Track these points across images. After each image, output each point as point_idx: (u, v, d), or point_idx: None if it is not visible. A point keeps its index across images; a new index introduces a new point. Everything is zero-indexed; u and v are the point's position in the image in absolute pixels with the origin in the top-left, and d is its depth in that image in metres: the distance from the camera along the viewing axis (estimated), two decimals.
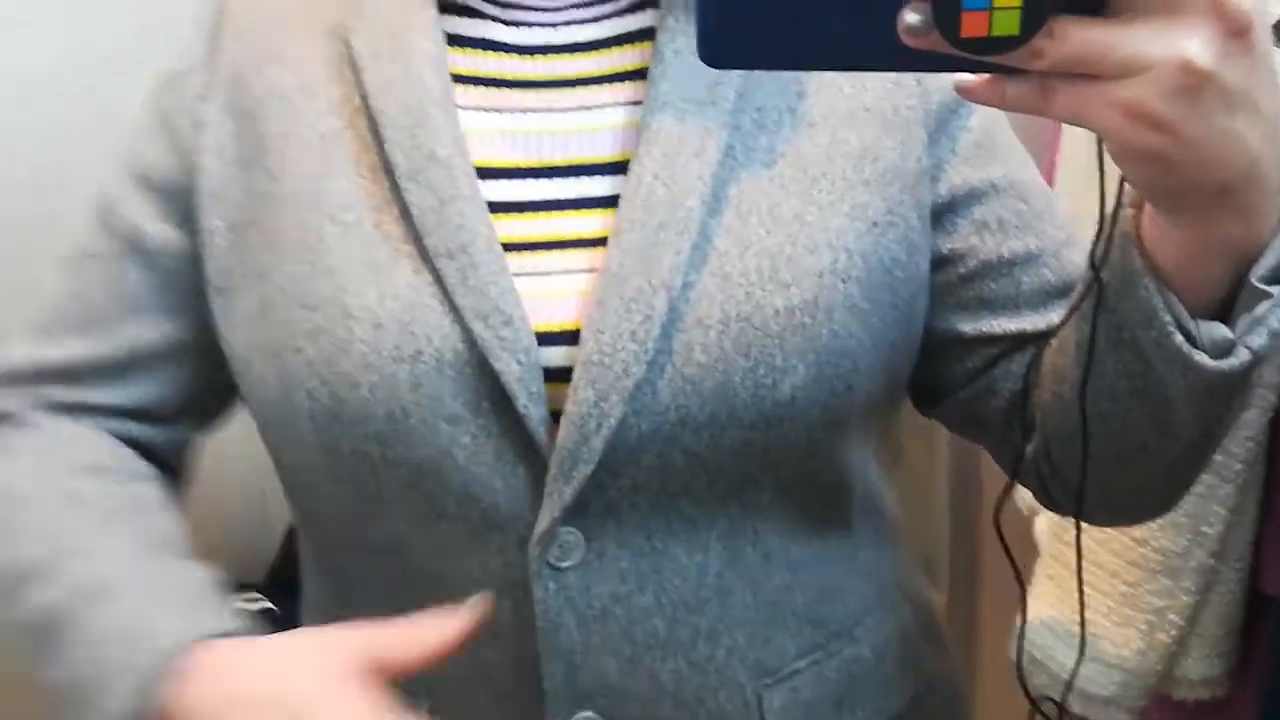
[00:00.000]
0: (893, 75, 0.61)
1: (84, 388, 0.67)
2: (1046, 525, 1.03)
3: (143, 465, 0.68)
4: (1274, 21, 0.58)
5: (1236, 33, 0.38)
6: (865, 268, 0.59)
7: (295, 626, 0.76)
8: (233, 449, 1.21)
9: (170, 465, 0.70)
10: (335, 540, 0.66)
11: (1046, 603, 0.94)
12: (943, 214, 0.62)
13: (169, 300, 0.66)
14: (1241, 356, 0.48)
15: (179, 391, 0.68)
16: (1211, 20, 0.38)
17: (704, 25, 0.41)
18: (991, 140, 0.63)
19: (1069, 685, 0.74)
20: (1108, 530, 0.84)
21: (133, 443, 0.68)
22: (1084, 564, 0.86)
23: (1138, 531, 0.82)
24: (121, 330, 0.66)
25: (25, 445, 0.65)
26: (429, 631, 0.53)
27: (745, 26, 0.41)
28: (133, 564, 0.59)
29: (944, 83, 0.61)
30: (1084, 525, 0.63)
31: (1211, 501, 0.80)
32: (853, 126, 0.60)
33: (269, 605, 1.39)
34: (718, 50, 0.41)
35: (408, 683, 0.53)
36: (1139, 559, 0.83)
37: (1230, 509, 0.80)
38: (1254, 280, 0.47)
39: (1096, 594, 0.86)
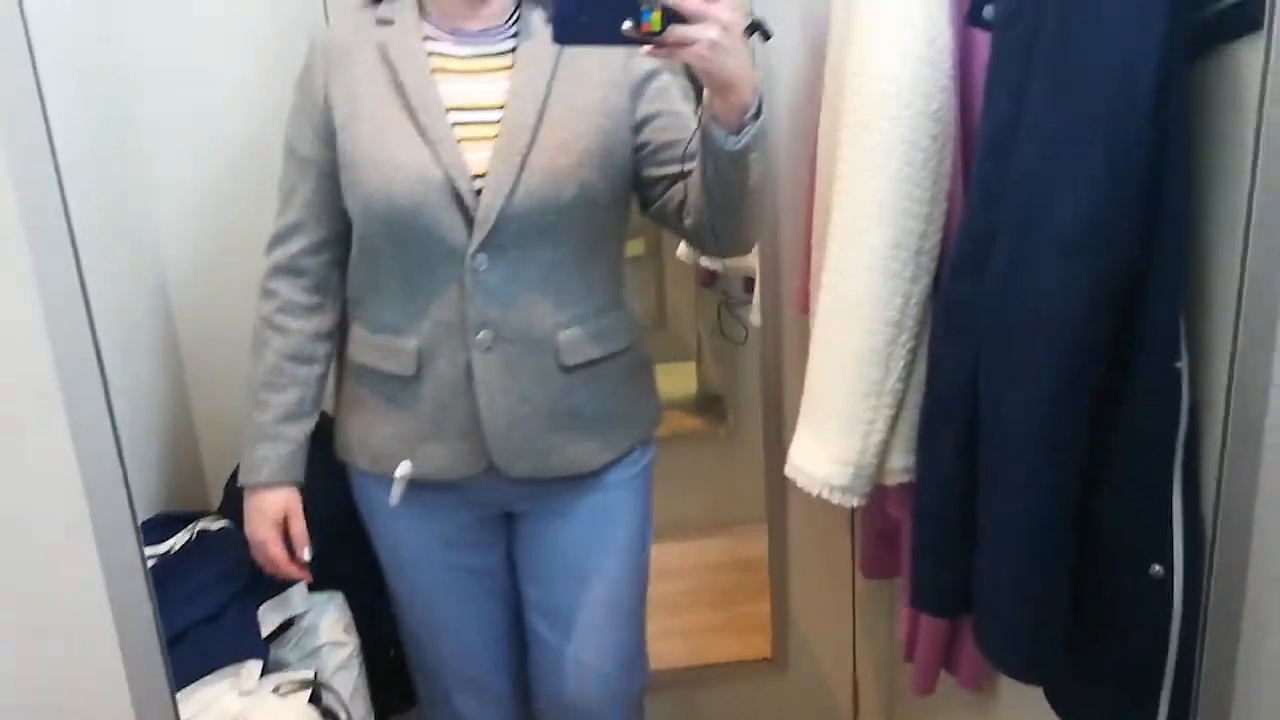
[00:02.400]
0: (618, 62, 1.32)
1: (288, 244, 1.38)
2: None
3: (320, 347, 1.42)
4: (746, 24, 1.28)
5: (726, 27, 1.05)
6: (601, 148, 1.29)
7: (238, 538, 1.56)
8: (208, 431, 1.85)
9: (332, 289, 1.43)
10: (379, 261, 1.33)
11: (802, 439, 1.34)
12: (639, 124, 1.33)
13: (325, 181, 1.35)
14: (739, 145, 1.13)
15: (331, 221, 1.38)
16: (718, 22, 1.04)
17: (556, 23, 1.05)
18: (662, 92, 1.34)
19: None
20: (833, 368, 1.26)
21: (313, 274, 1.40)
22: (819, 396, 1.28)
23: (852, 370, 1.24)
24: (305, 206, 1.37)
25: (275, 332, 1.40)
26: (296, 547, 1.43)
27: (573, 25, 1.04)
28: (276, 426, 1.39)
29: (642, 66, 1.32)
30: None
31: (896, 346, 1.23)
32: (599, 86, 1.30)
33: (225, 523, 1.71)
34: (561, 36, 1.03)
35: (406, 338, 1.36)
36: (854, 388, 1.24)
37: (908, 350, 1.23)
38: (745, 119, 1.12)
39: (833, 414, 1.27)
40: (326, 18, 1.68)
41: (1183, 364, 0.93)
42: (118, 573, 1.16)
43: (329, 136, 1.33)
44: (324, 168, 1.35)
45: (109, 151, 1.68)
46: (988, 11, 1.03)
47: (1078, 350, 0.92)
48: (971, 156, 1.22)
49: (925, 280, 1.22)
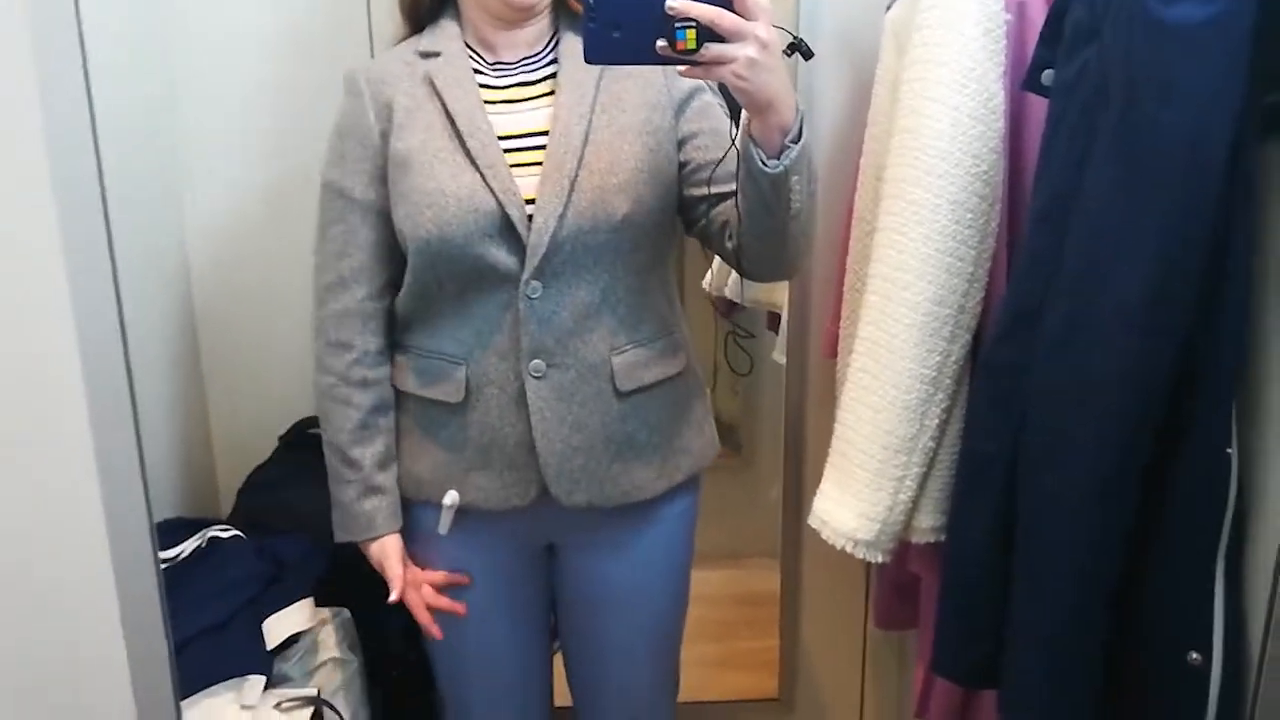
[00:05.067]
0: (659, 82, 1.30)
1: (351, 290, 1.34)
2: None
3: (392, 393, 1.39)
4: (786, 45, 1.28)
5: (765, 45, 1.01)
6: (649, 166, 1.27)
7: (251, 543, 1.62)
8: (223, 439, 1.82)
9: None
10: (431, 290, 1.31)
11: (829, 491, 1.32)
12: (681, 142, 1.31)
13: (384, 222, 1.32)
14: (779, 168, 1.09)
15: (393, 264, 1.35)
16: (756, 39, 1.00)
17: (587, 42, 1.01)
18: (704, 110, 1.32)
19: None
20: (864, 422, 1.23)
21: (380, 319, 1.37)
22: (849, 449, 1.25)
23: (885, 425, 1.21)
24: (367, 249, 1.34)
25: (357, 388, 1.36)
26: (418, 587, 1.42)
27: (605, 43, 1.00)
28: (375, 477, 1.37)
29: (684, 85, 1.30)
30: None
31: (931, 404, 1.20)
32: (641, 109, 1.29)
33: (237, 532, 1.70)
34: (593, 56, 1.02)
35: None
36: (887, 443, 1.21)
37: (944, 408, 1.21)
38: (786, 141, 1.09)
39: (862, 469, 1.24)
40: (372, 53, 1.70)
41: (1233, 449, 0.91)
42: (129, 574, 1.13)
43: (385, 176, 1.31)
44: (382, 206, 1.32)
45: (147, 171, 1.70)
46: (1046, 77, 1.01)
47: (1129, 428, 0.90)
48: (1018, 218, 1.20)
49: (965, 339, 1.19)
